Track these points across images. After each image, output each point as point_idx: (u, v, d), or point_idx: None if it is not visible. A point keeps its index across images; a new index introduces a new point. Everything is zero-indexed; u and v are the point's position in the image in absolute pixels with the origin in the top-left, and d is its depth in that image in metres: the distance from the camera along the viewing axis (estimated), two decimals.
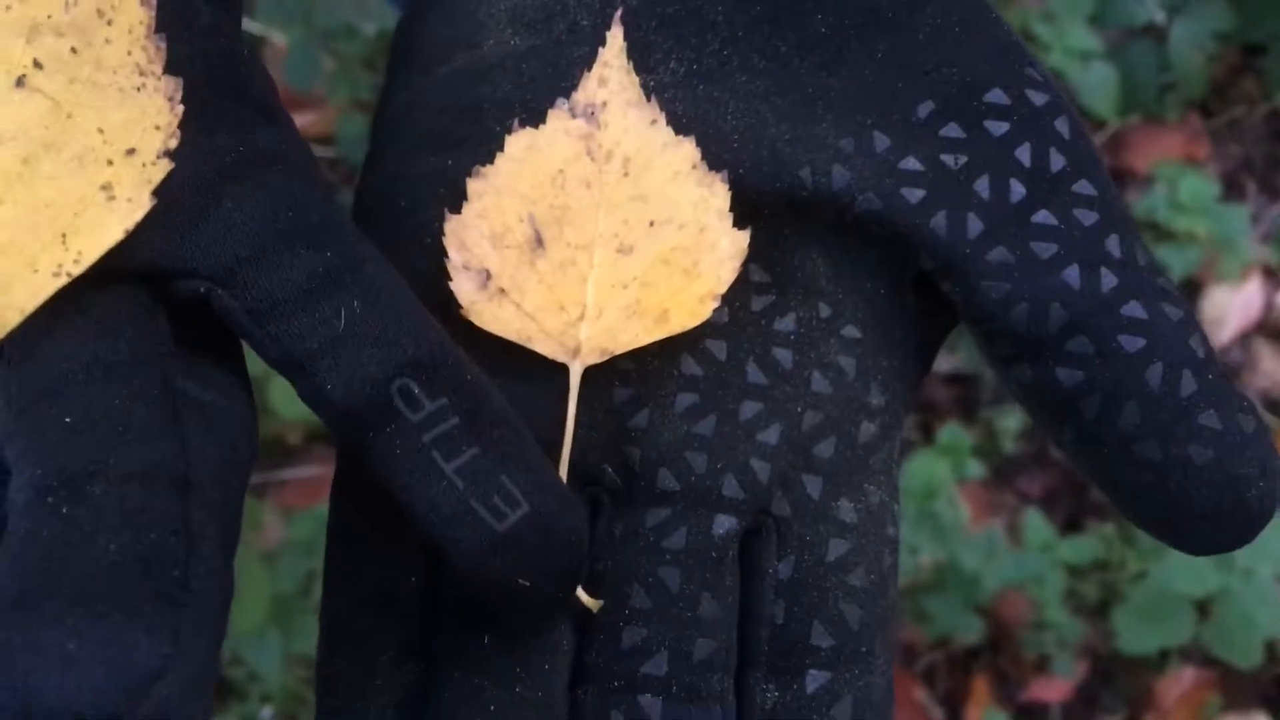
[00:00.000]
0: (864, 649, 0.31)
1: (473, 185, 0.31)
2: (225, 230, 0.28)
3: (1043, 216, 0.31)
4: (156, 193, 0.27)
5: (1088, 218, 0.31)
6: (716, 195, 0.31)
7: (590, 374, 0.31)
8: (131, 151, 0.27)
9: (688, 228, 0.31)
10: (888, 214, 0.31)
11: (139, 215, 0.27)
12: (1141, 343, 0.30)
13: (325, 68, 1.17)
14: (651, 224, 0.31)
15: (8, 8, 0.27)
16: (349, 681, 0.30)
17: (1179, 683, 1.08)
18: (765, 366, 0.32)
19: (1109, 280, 0.30)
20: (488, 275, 0.31)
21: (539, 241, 0.31)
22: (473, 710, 0.29)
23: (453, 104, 0.32)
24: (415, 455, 0.28)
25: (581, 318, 0.31)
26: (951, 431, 1.10)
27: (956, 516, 1.06)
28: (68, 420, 0.26)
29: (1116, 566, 1.09)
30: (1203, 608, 1.03)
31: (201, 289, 0.28)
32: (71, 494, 0.25)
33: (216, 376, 0.29)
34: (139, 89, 0.27)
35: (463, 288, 0.31)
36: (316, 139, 1.24)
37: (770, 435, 0.31)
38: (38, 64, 0.26)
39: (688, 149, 0.31)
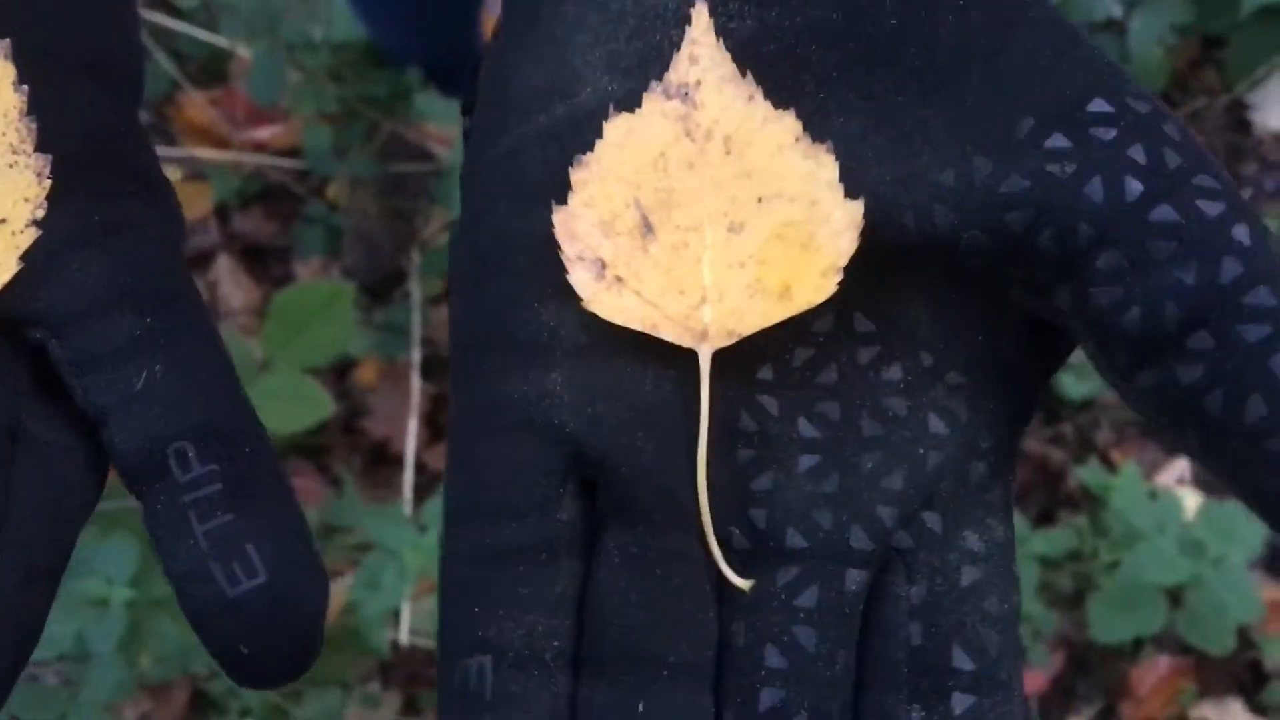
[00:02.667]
0: (1004, 677, 0.31)
1: (576, 175, 0.31)
2: (67, 288, 0.31)
3: (1162, 212, 0.29)
4: (23, 258, 0.31)
5: (1212, 208, 0.29)
6: (824, 167, 0.31)
7: (713, 432, 0.31)
8: (2, 221, 0.30)
9: (798, 201, 0.31)
10: (994, 246, 0.31)
11: (6, 278, 0.30)
12: (1266, 330, 0.29)
13: (291, 81, 1.17)
14: (760, 200, 0.31)
15: None
16: None
17: (1154, 670, 1.09)
18: (880, 418, 0.32)
19: (1232, 269, 0.29)
20: (603, 265, 0.31)
21: (648, 226, 0.31)
22: None
23: (558, 155, 0.32)
24: (173, 512, 0.30)
25: (703, 300, 0.31)
26: None
27: None
28: None
29: (1089, 556, 1.10)
30: (1175, 596, 1.04)
31: (38, 335, 0.31)
32: None
33: (66, 419, 0.32)
34: (11, 165, 0.31)
35: (580, 279, 0.31)
36: (282, 151, 1.24)
37: (895, 481, 0.32)
38: None
39: (789, 122, 0.31)
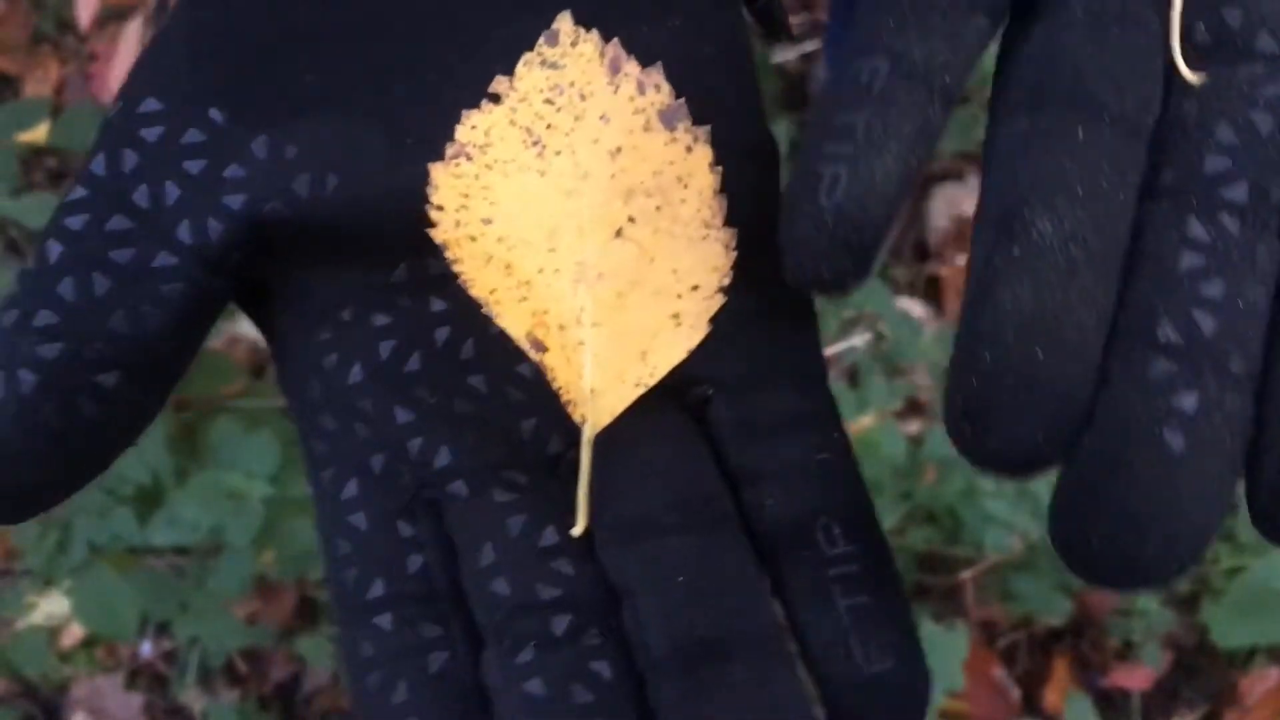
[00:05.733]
0: None
1: None
2: (741, 355, 0.34)
3: None
4: (711, 321, 0.33)
5: None
6: None
7: None
8: (695, 288, 0.33)
9: None
10: None
11: (698, 339, 0.33)
12: None
13: None
14: None
15: (612, 176, 0.33)
16: None
17: (1264, 681, 1.04)
18: None
19: None
20: None
21: None
22: (1053, 181, 0.29)
23: None
24: (816, 582, 0.32)
25: None
26: None
27: None
28: None
29: (1210, 561, 1.07)
30: None
31: (705, 392, 0.34)
32: None
33: None
34: (704, 238, 0.33)
35: None
36: None
37: None
38: (631, 219, 0.33)
39: None
